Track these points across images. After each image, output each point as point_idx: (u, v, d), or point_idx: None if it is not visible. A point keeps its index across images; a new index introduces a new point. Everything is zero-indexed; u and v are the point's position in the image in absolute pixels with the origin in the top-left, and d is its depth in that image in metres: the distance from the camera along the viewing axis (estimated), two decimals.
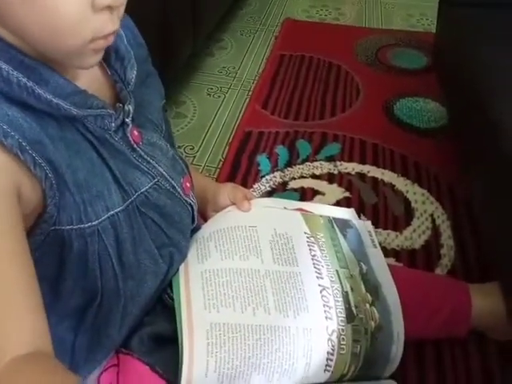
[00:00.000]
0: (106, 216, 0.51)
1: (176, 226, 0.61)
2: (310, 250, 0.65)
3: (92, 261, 0.51)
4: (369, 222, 0.76)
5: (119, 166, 0.53)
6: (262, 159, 1.24)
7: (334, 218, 0.73)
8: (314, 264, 0.63)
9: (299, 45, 1.74)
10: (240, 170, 1.20)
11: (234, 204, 0.71)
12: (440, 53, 1.27)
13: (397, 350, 0.63)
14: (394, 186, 1.15)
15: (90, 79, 0.53)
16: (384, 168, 1.20)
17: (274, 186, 1.16)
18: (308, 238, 0.67)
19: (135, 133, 0.55)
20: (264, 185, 1.16)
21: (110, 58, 0.56)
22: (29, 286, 0.42)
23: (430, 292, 0.80)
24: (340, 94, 1.49)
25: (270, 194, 1.13)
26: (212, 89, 1.54)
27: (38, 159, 0.44)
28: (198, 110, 1.44)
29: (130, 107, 0.54)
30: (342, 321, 0.59)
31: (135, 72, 0.57)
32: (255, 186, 1.15)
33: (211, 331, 0.54)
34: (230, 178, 1.16)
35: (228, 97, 1.51)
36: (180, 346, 0.54)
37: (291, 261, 0.63)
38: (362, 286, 0.65)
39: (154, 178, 0.56)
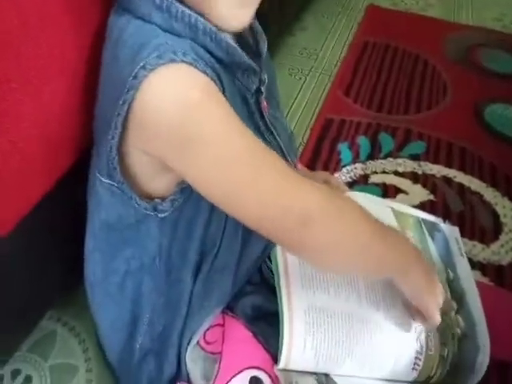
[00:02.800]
0: None
1: None
2: None
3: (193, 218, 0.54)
4: (456, 229, 0.74)
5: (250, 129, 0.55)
6: (344, 148, 1.20)
7: (422, 219, 0.71)
8: None
9: (384, 33, 1.67)
10: (321, 157, 1.17)
11: None
12: None
13: (482, 360, 0.62)
14: (482, 195, 1.10)
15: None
16: (472, 175, 1.14)
17: (355, 178, 1.12)
18: None
19: (264, 103, 0.58)
20: (345, 175, 1.12)
21: (244, 31, 0.57)
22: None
23: None
24: (426, 89, 1.43)
25: (350, 185, 1.10)
26: (293, 69, 1.50)
27: (225, 94, 0.48)
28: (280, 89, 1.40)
29: (265, 76, 0.57)
30: None
31: (266, 45, 0.59)
32: (336, 175, 1.12)
33: (309, 312, 0.55)
34: (311, 164, 1.13)
35: (309, 79, 1.46)
36: (280, 322, 0.54)
37: None
38: (448, 293, 0.64)
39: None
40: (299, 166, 0.74)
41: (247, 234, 0.57)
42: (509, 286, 0.92)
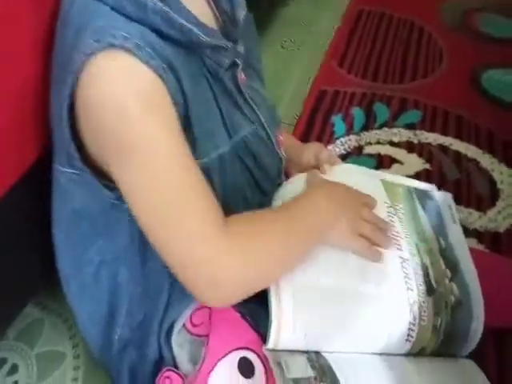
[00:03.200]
0: (215, 155, 0.52)
1: (267, 177, 0.61)
2: (389, 220, 0.63)
3: None
4: (449, 195, 0.72)
5: (226, 107, 0.53)
6: (337, 120, 1.18)
7: (414, 188, 0.70)
8: (393, 235, 0.62)
9: (378, 1, 1.63)
10: (314, 130, 1.15)
11: (316, 165, 0.69)
12: None
13: (476, 328, 0.62)
14: (478, 162, 1.08)
15: (203, 18, 0.51)
16: (468, 142, 1.12)
17: (348, 150, 1.11)
18: (388, 207, 0.65)
19: (242, 75, 0.56)
20: (339, 147, 1.11)
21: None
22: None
23: None
24: (422, 57, 1.40)
25: (344, 157, 1.08)
26: (286, 42, 1.47)
27: (175, 82, 0.45)
28: (271, 64, 1.37)
29: (241, 47, 0.55)
30: (422, 293, 0.59)
31: (244, 12, 0.57)
32: (330, 147, 1.10)
33: (298, 291, 0.54)
34: (304, 137, 1.11)
35: (302, 51, 1.43)
36: (269, 302, 0.53)
37: None
38: (441, 262, 0.64)
39: (253, 124, 0.57)
40: (285, 136, 0.71)
41: None
42: (506, 253, 0.91)
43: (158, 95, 0.44)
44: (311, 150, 0.71)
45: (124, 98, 0.43)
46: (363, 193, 0.60)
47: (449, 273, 0.64)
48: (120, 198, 0.49)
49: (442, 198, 0.72)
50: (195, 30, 0.47)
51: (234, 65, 0.54)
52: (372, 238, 0.57)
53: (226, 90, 0.54)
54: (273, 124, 0.61)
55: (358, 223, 0.57)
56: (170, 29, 0.46)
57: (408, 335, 0.58)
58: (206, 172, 0.50)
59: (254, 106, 0.57)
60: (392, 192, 0.68)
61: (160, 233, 0.46)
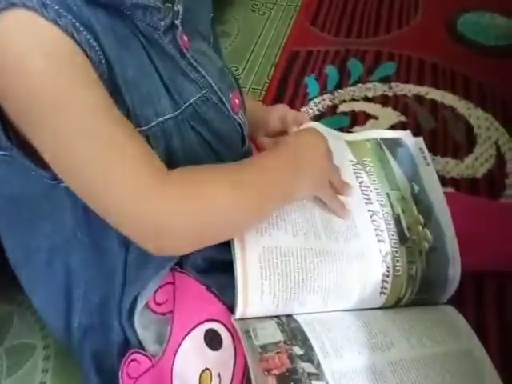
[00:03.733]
0: (155, 122, 0.49)
1: (226, 145, 0.58)
2: (356, 177, 0.63)
3: None
4: (420, 139, 0.71)
5: (168, 72, 0.51)
6: (310, 81, 1.16)
7: (382, 139, 0.69)
8: (362, 191, 0.62)
9: None
10: (287, 93, 1.13)
11: (284, 127, 0.67)
12: None
13: (454, 273, 0.62)
14: (454, 109, 1.06)
15: None
16: (444, 90, 1.10)
17: (322, 110, 1.09)
18: (354, 165, 0.65)
19: (184, 38, 0.53)
20: (312, 108, 1.09)
21: None
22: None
23: (497, 220, 0.74)
24: (396, 7, 1.36)
25: (318, 118, 1.06)
26: (257, 5, 1.44)
27: (92, 42, 0.42)
28: (243, 29, 1.35)
29: (179, 7, 0.51)
30: (394, 243, 0.59)
31: None
32: (303, 109, 1.08)
33: (263, 255, 0.53)
34: (277, 101, 1.09)
35: (274, 13, 1.40)
36: (234, 270, 0.53)
37: None
38: (414, 208, 0.63)
39: (202, 89, 0.54)
40: (250, 101, 0.69)
41: None
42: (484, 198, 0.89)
43: (65, 51, 0.41)
44: (276, 113, 0.70)
45: (23, 51, 0.40)
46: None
47: (421, 219, 0.63)
48: (56, 176, 0.47)
49: (412, 142, 0.71)
50: None
51: (172, 27, 0.51)
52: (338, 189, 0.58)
53: (166, 54, 0.51)
54: (226, 88, 0.58)
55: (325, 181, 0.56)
56: None
57: (382, 287, 0.58)
58: (147, 141, 0.48)
59: (201, 69, 0.54)
60: (358, 148, 0.67)
61: (93, 192, 0.44)
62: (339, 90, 1.13)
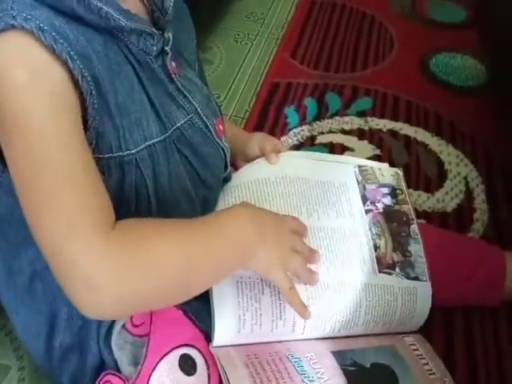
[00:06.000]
0: (144, 145, 0.50)
1: (210, 169, 0.60)
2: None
3: (128, 192, 0.50)
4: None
5: (157, 96, 0.52)
6: (290, 111, 1.20)
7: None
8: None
9: None
10: (267, 122, 1.16)
11: (263, 155, 0.69)
12: (482, 5, 1.19)
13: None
14: (427, 145, 1.11)
15: (128, 5, 0.50)
16: (417, 126, 1.15)
17: (301, 140, 1.12)
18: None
19: (173, 64, 0.54)
20: (291, 138, 1.12)
21: None
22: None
23: (463, 255, 0.77)
24: (373, 46, 1.42)
25: (297, 147, 1.09)
26: (239, 35, 1.47)
27: (84, 71, 0.43)
28: (225, 57, 1.38)
29: (169, 35, 0.53)
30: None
31: (172, 1, 0.55)
32: (282, 138, 1.11)
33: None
34: (257, 130, 1.11)
35: (255, 44, 1.44)
36: (210, 298, 0.54)
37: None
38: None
39: (188, 114, 0.56)
40: (231, 127, 0.71)
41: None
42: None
43: (53, 76, 0.42)
44: (255, 141, 0.71)
45: (11, 69, 0.41)
46: (289, 217, 0.57)
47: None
48: None
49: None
50: (114, 13, 0.46)
51: (162, 53, 0.53)
52: (300, 275, 0.54)
53: (156, 78, 0.52)
54: (210, 114, 0.60)
55: (286, 255, 0.52)
56: (88, 13, 0.44)
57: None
58: (136, 164, 0.50)
59: (188, 95, 0.56)
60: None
61: (32, 220, 0.43)
62: (318, 122, 1.16)
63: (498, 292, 0.77)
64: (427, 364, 0.58)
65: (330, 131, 1.14)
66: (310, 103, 1.22)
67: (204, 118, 0.58)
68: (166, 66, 0.53)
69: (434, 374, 0.58)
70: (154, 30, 0.51)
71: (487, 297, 0.78)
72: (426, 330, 0.65)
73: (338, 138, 1.12)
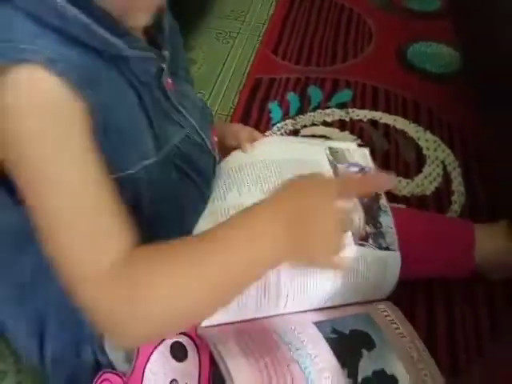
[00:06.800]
0: (141, 165, 0.51)
1: (205, 179, 0.61)
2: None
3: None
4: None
5: (156, 115, 0.53)
6: (274, 106, 1.23)
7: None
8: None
9: None
10: (251, 118, 1.20)
11: (238, 146, 0.70)
12: None
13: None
14: (405, 132, 1.15)
15: (132, 22, 0.50)
16: (396, 115, 1.19)
17: (285, 134, 1.16)
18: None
19: (169, 81, 0.55)
20: (275, 132, 1.16)
21: None
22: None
23: (432, 230, 0.80)
24: (351, 38, 1.46)
25: None
26: (221, 33, 1.51)
27: (93, 98, 0.44)
28: (207, 56, 1.42)
29: (166, 53, 0.54)
30: None
31: (168, 18, 0.57)
32: (267, 133, 1.15)
33: None
34: None
35: (237, 42, 1.48)
36: None
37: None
38: None
39: (184, 129, 0.57)
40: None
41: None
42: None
43: (65, 109, 0.43)
44: (230, 131, 0.72)
45: (25, 110, 0.41)
46: (333, 187, 0.49)
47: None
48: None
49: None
50: (119, 43, 0.46)
51: (159, 71, 0.53)
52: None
53: (155, 97, 0.52)
54: (206, 126, 0.60)
55: (330, 245, 0.47)
56: (93, 40, 0.45)
57: None
58: (133, 184, 0.51)
59: (183, 111, 0.56)
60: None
61: (53, 253, 0.44)
62: (300, 116, 1.20)
63: (469, 263, 0.79)
64: (398, 328, 0.62)
65: (313, 124, 1.18)
66: (292, 97, 1.26)
67: (200, 131, 0.59)
68: (161, 83, 0.54)
69: (404, 337, 0.62)
70: (153, 54, 0.52)
71: (457, 268, 0.80)
72: (409, 301, 0.69)
73: (320, 131, 1.16)
